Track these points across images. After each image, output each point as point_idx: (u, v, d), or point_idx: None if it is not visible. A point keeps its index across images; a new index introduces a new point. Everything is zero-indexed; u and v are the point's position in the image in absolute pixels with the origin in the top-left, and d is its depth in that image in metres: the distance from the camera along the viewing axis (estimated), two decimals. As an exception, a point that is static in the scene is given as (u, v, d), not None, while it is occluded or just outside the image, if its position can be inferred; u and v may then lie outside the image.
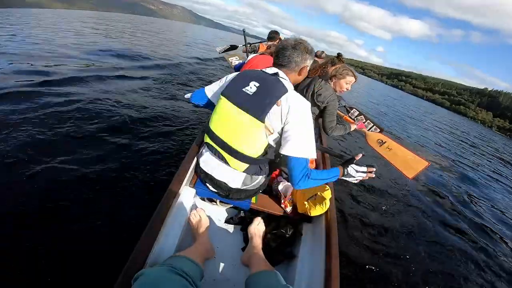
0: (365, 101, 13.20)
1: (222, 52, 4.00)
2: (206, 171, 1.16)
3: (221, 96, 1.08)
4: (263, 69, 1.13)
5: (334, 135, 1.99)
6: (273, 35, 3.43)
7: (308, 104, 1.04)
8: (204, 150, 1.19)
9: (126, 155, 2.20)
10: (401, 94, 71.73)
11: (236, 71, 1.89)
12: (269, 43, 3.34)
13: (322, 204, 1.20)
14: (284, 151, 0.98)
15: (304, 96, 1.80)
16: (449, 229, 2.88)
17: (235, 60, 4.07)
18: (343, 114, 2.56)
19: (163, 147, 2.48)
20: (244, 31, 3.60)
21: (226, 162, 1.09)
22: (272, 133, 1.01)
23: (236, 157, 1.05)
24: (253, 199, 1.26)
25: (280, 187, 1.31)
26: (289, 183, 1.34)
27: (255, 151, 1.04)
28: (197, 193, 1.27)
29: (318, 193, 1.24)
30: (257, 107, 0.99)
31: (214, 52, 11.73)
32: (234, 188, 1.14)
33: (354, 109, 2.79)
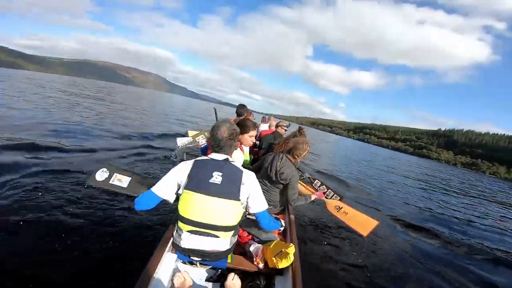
0: (347, 168, 12.50)
1: (183, 153, 4.01)
2: (194, 248, 1.37)
3: (188, 191, 1.32)
4: (213, 157, 1.42)
5: (297, 205, 2.31)
6: (241, 111, 3.45)
7: (252, 173, 1.46)
8: (184, 236, 1.37)
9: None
10: (369, 147, 76.61)
11: (202, 154, 2.25)
12: (237, 118, 3.29)
13: (287, 258, 1.50)
14: (253, 210, 1.46)
15: (269, 175, 2.24)
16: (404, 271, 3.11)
17: (201, 139, 4.43)
18: (306, 185, 2.92)
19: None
20: (215, 109, 3.76)
21: (216, 236, 1.36)
22: (243, 204, 1.42)
23: (224, 230, 1.36)
24: (229, 259, 1.50)
25: (252, 248, 1.62)
26: (259, 245, 1.65)
27: (237, 220, 1.41)
28: (178, 257, 1.49)
29: (283, 250, 1.54)
30: (232, 192, 1.34)
31: (168, 128, 10.71)
32: (224, 251, 1.41)
33: (317, 180, 3.24)
